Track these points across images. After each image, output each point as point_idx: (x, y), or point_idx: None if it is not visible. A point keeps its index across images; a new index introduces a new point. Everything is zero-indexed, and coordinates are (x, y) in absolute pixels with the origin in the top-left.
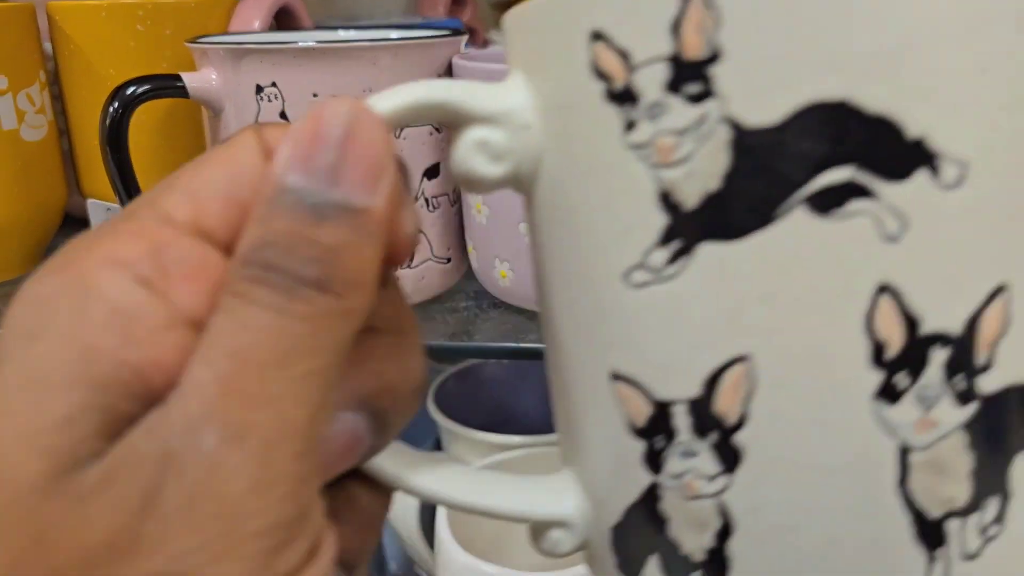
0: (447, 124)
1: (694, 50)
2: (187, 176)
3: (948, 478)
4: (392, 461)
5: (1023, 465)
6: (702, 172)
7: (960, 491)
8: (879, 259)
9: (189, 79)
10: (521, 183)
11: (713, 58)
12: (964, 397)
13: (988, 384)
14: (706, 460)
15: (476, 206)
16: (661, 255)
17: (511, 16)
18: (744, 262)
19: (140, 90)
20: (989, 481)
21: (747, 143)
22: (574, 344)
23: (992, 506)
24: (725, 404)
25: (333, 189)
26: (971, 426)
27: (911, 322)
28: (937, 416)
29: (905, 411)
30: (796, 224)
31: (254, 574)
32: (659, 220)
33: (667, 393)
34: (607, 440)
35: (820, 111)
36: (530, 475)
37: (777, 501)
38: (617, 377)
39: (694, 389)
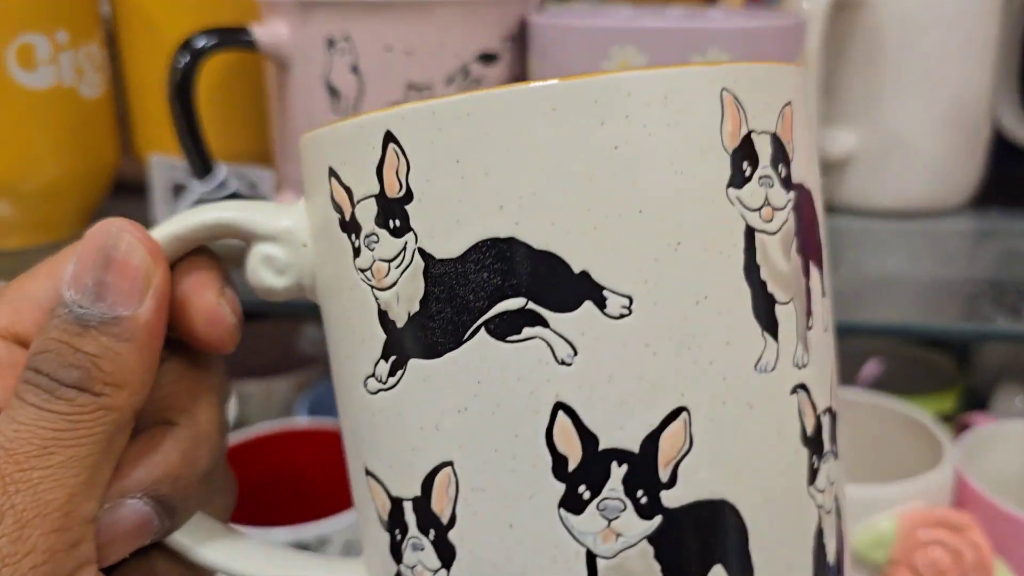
0: (237, 240)
1: (392, 190)
2: (12, 288)
3: None
4: (188, 536)
5: None
6: (405, 296)
7: None
8: (555, 380)
9: (259, 31)
10: (307, 292)
11: (407, 198)
12: (647, 511)
13: (672, 500)
14: (430, 555)
15: None
16: (383, 367)
17: (300, 146)
18: (442, 378)
19: (208, 43)
20: None
21: (436, 272)
22: (347, 442)
23: None
24: (439, 505)
25: (96, 303)
26: (656, 538)
27: (589, 439)
28: (620, 527)
29: (589, 521)
30: (481, 346)
31: None
32: (381, 335)
33: (398, 491)
34: (370, 530)
35: (492, 246)
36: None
37: None
38: (368, 473)
39: (416, 489)
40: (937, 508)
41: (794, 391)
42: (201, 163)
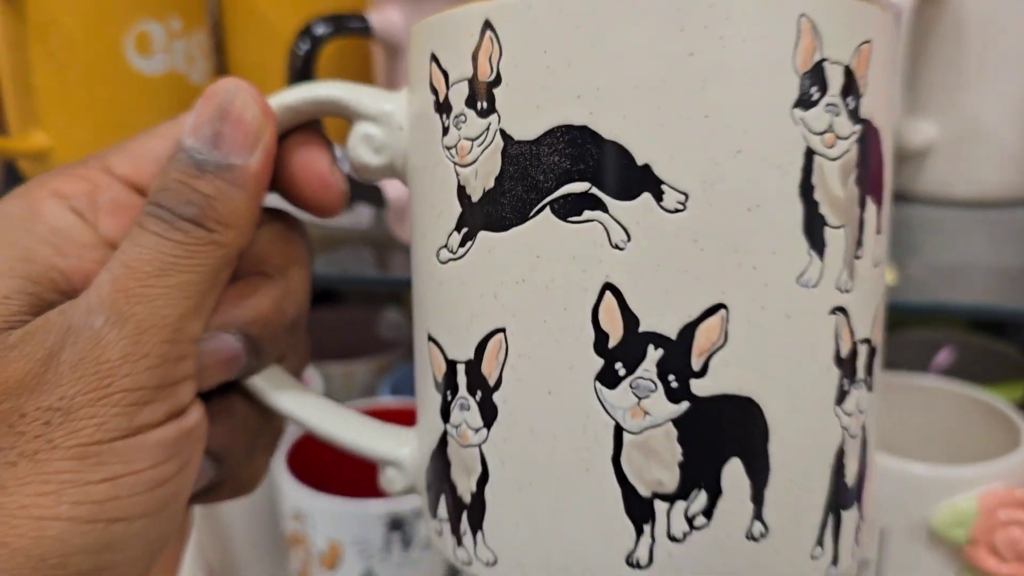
0: (342, 118)
1: (484, 74)
2: (134, 141)
3: (657, 463)
4: (266, 381)
5: (736, 469)
6: (483, 173)
7: (668, 477)
8: (607, 262)
9: (374, 18)
10: (397, 173)
11: (496, 82)
12: (675, 395)
13: (701, 389)
14: (475, 414)
15: None
16: (456, 237)
17: (411, 37)
18: (505, 250)
19: (327, 30)
20: (698, 475)
21: (512, 152)
22: (416, 310)
23: (700, 498)
24: (488, 367)
25: (213, 151)
26: (681, 422)
27: (631, 320)
28: (649, 406)
29: (621, 396)
30: (544, 224)
31: (119, 419)
32: (457, 209)
33: (454, 354)
34: (426, 394)
35: (566, 132)
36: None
37: (518, 457)
38: (430, 339)
39: (470, 352)
40: (1017, 490)
41: (833, 312)
42: None
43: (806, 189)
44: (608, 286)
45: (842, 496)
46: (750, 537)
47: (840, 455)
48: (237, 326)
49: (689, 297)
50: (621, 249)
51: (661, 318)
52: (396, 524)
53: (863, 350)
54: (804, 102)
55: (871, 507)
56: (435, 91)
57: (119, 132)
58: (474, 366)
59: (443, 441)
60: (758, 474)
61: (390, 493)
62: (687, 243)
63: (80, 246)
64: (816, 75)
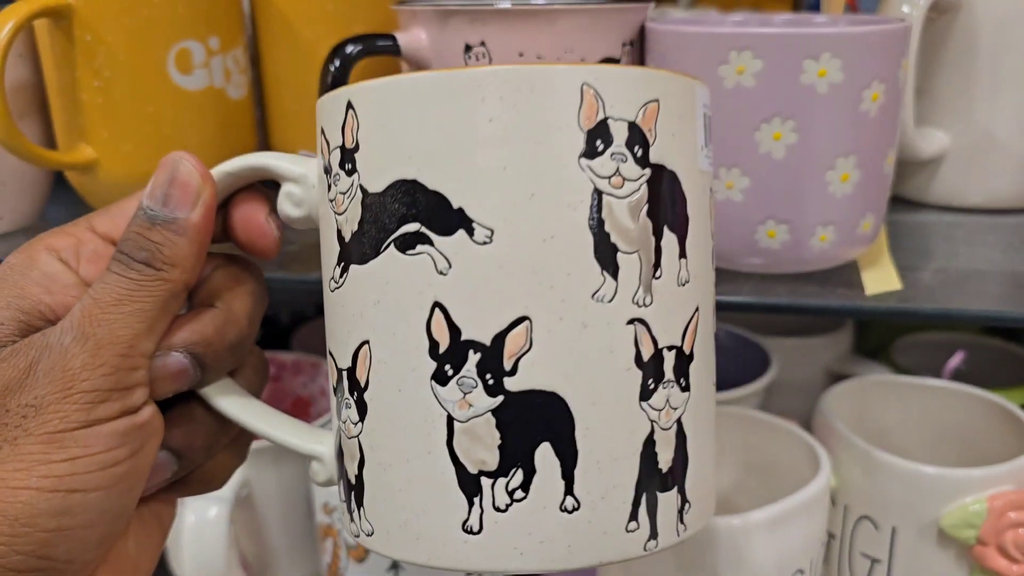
0: (273, 180)
1: (348, 142)
2: (116, 206)
3: (480, 445)
4: (216, 391)
5: (547, 451)
6: (351, 219)
7: (490, 457)
8: (435, 285)
9: (402, 38)
10: (313, 223)
11: (356, 148)
12: (492, 390)
13: (513, 385)
14: (354, 411)
15: None
16: (337, 271)
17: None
18: (366, 279)
19: (357, 48)
20: (515, 456)
21: (368, 202)
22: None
23: (517, 475)
24: (360, 372)
25: (163, 208)
26: (498, 412)
27: (455, 330)
28: (472, 400)
29: (450, 392)
30: (391, 257)
31: (78, 413)
32: (337, 248)
33: (342, 363)
34: (331, 398)
35: (402, 185)
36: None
37: (381, 444)
38: (328, 352)
39: (349, 361)
40: None
41: (631, 322)
42: None
43: (596, 222)
44: (436, 304)
45: (655, 479)
46: (563, 510)
47: (650, 443)
48: (183, 346)
49: (499, 311)
50: (444, 274)
51: (478, 328)
52: (326, 486)
53: (670, 356)
54: (590, 153)
55: (700, 492)
56: (323, 156)
57: (162, 145)
58: (352, 372)
59: (339, 435)
60: (566, 456)
61: (316, 483)
62: (494, 268)
63: (64, 286)
64: (600, 130)
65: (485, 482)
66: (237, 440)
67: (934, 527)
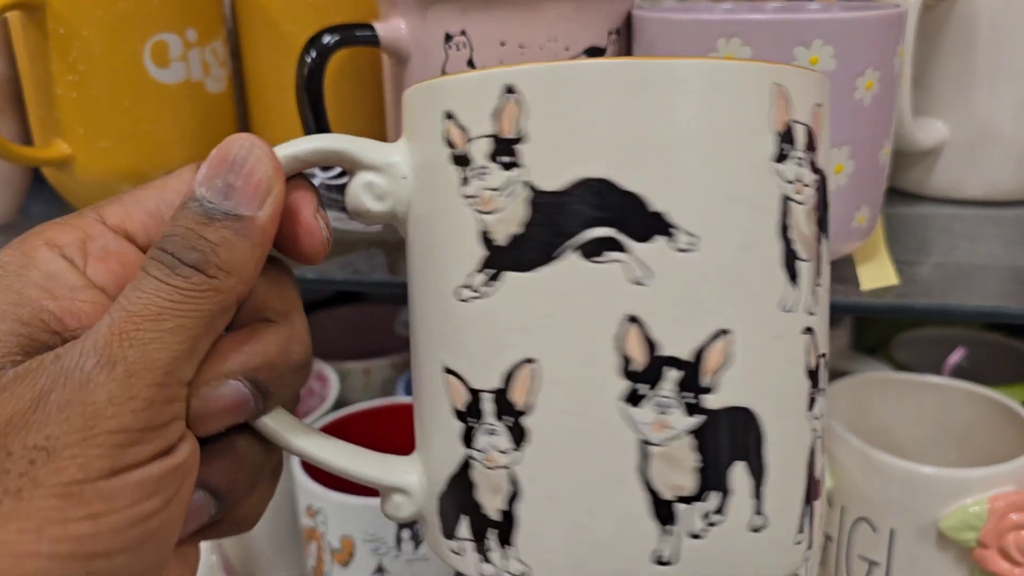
0: (343, 168)
1: (507, 132)
2: (129, 194)
3: (678, 469)
4: (276, 422)
5: (741, 470)
6: (510, 219)
7: (688, 481)
8: (629, 297)
9: (380, 28)
10: (397, 219)
11: (519, 139)
12: (692, 409)
13: (713, 403)
14: (503, 438)
15: None
16: (480, 278)
17: (404, 96)
18: (535, 288)
19: (334, 39)
20: (712, 478)
21: (540, 202)
22: (423, 345)
23: (714, 498)
24: (518, 395)
25: (225, 201)
26: (697, 432)
27: (651, 346)
28: (669, 420)
29: (645, 413)
30: (572, 264)
31: (102, 460)
32: (480, 252)
33: (480, 384)
34: (438, 423)
35: (590, 184)
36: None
37: (552, 474)
38: (447, 370)
39: (498, 382)
40: None
41: (804, 331)
42: None
43: (783, 229)
44: (631, 317)
45: (813, 488)
46: (752, 529)
47: (812, 452)
48: (243, 372)
49: (700, 324)
50: (642, 285)
51: (678, 343)
52: (408, 522)
53: (822, 363)
54: (779, 156)
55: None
56: (451, 145)
57: (139, 140)
58: (502, 394)
59: (466, 466)
60: (758, 474)
61: (395, 519)
62: (697, 277)
63: (70, 288)
64: (787, 134)
65: (680, 508)
66: (275, 471)
67: (933, 529)
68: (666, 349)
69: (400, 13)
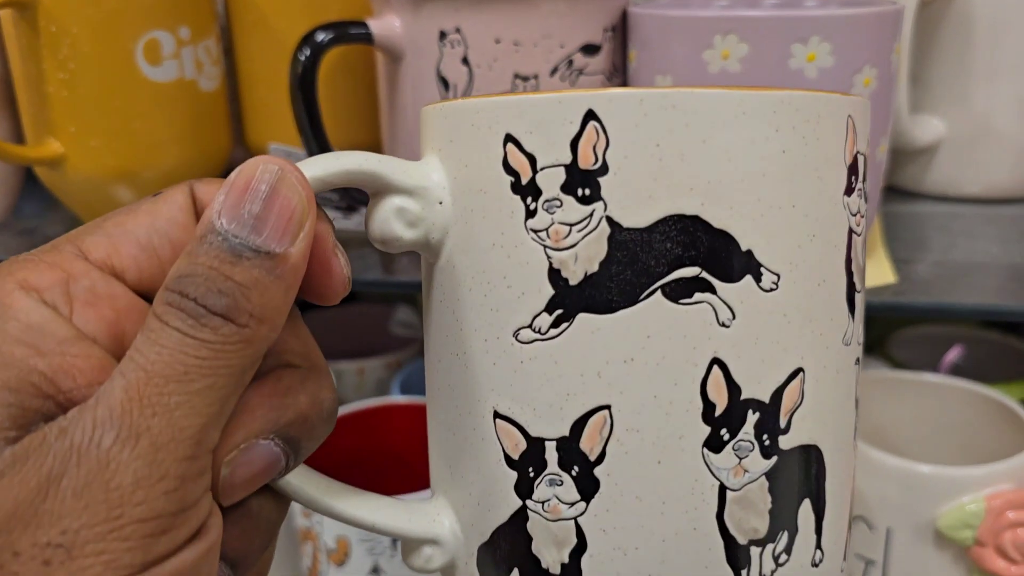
0: (370, 190)
1: (587, 162)
2: (112, 221)
3: (753, 513)
4: (296, 478)
5: (807, 507)
6: (584, 257)
7: (762, 524)
8: (714, 339)
9: (374, 25)
10: (429, 248)
11: (602, 170)
12: (768, 452)
13: (785, 443)
14: (569, 489)
15: None
16: (546, 319)
17: (431, 112)
18: (613, 331)
19: (328, 36)
20: (782, 518)
21: (621, 239)
22: (464, 386)
23: (783, 539)
24: (589, 443)
25: (253, 235)
26: (771, 474)
27: (735, 389)
28: (748, 465)
29: (725, 459)
30: (655, 306)
31: (132, 553)
32: (547, 291)
33: (541, 432)
34: (484, 470)
35: (678, 221)
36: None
37: (623, 525)
38: (498, 416)
39: (564, 430)
40: None
41: (856, 362)
42: (320, 151)
43: (848, 263)
44: (716, 360)
45: (849, 517)
46: (813, 564)
47: (852, 481)
48: (275, 430)
49: (779, 364)
50: (727, 327)
51: (758, 385)
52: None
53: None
54: (848, 189)
55: None
56: (514, 172)
57: (131, 139)
58: (569, 442)
59: (518, 517)
60: (819, 510)
61: (425, 572)
62: (779, 317)
63: (58, 341)
64: (854, 166)
65: (754, 552)
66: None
67: (930, 527)
68: (747, 391)
69: (394, 10)
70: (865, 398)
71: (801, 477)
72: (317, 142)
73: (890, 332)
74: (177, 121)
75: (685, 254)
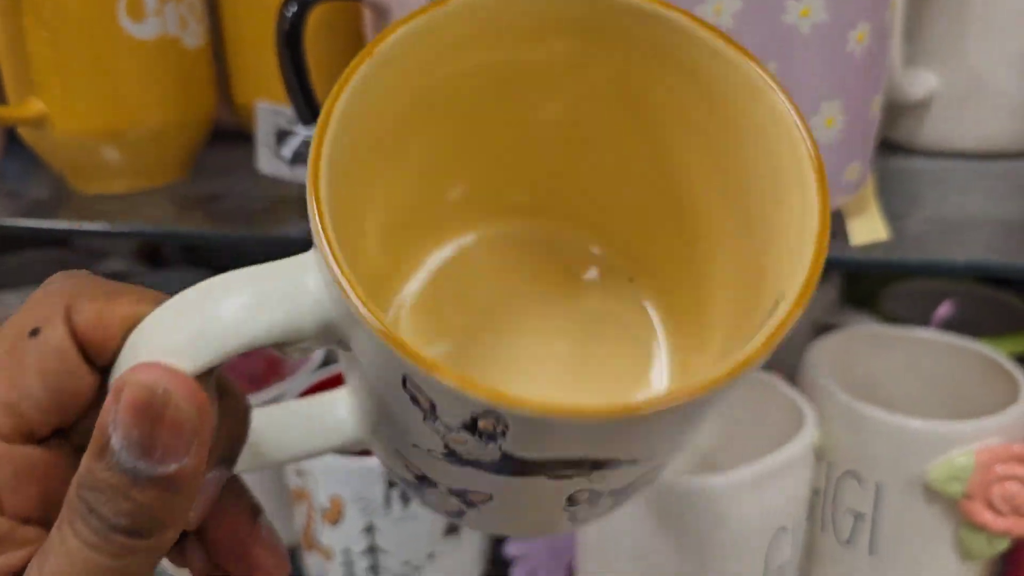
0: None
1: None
2: (3, 388)
3: None
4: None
5: None
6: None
7: None
8: None
9: None
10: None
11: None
12: None
13: None
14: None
15: None
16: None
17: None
18: None
19: None
20: None
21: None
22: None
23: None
24: None
25: (145, 460)
26: None
27: None
28: None
29: None
30: None
31: None
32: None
33: None
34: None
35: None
36: None
37: None
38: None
39: None
40: (1015, 444)
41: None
42: (309, 109)
43: None
44: None
45: None
46: None
47: None
48: (220, 459)
49: None
50: None
51: None
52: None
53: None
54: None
55: None
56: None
57: (115, 97)
58: None
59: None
60: None
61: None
62: None
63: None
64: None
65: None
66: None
67: (920, 481)
68: None
69: None
70: (856, 352)
71: None
72: (305, 99)
73: (883, 286)
74: (161, 79)
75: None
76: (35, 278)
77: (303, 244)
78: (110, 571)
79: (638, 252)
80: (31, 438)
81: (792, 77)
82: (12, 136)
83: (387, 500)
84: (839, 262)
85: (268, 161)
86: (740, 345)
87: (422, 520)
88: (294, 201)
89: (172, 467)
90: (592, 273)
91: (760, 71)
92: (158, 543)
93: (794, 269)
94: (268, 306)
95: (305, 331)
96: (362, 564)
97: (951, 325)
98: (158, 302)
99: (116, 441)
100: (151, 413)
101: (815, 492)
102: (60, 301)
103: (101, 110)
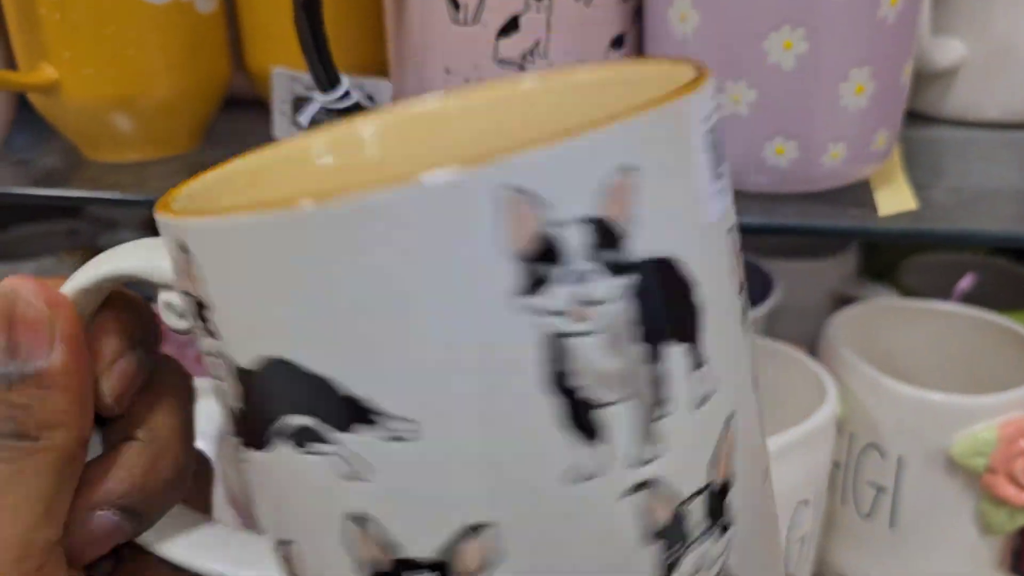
0: (148, 285)
1: (195, 295)
2: None
3: None
4: (155, 531)
5: None
6: (228, 393)
7: None
8: (348, 493)
9: None
10: None
11: (206, 306)
12: None
13: None
14: None
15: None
16: (234, 443)
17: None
18: (262, 470)
19: None
20: None
21: (243, 378)
22: None
23: None
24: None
25: (11, 360)
26: None
27: (390, 548)
28: None
29: None
30: (283, 454)
31: None
32: (229, 416)
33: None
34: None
35: (276, 365)
36: None
37: None
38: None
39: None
40: None
41: (630, 492)
42: (327, 76)
43: (555, 380)
44: (355, 517)
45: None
46: None
47: None
48: (109, 503)
49: (442, 521)
50: (364, 480)
51: (420, 544)
52: None
53: (697, 502)
54: (529, 286)
55: None
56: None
57: (127, 64)
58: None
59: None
60: None
61: None
62: (427, 469)
63: None
64: (542, 250)
65: None
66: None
67: (942, 455)
68: (408, 551)
69: None
70: (877, 325)
71: None
72: (323, 65)
73: (901, 259)
74: (173, 46)
75: (292, 401)
76: (48, 249)
77: None
78: (10, 479)
79: None
80: None
81: (822, 43)
82: (23, 104)
83: None
84: (865, 232)
85: (284, 129)
86: None
87: None
88: None
89: (40, 363)
90: None
91: None
92: (51, 444)
93: None
94: (144, 245)
95: (164, 268)
96: None
97: (972, 298)
98: None
99: None
100: (4, 315)
101: (836, 465)
102: None
103: (112, 76)
